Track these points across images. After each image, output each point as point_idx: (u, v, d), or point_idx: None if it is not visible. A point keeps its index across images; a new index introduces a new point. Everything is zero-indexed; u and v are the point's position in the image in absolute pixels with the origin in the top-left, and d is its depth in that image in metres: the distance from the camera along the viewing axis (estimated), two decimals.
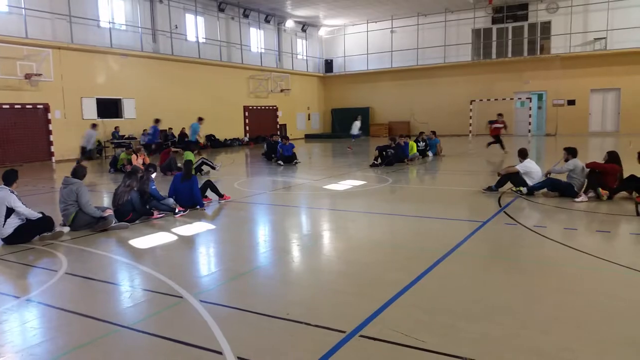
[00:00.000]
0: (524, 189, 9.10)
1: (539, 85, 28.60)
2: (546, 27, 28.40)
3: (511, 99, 28.91)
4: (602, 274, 4.93)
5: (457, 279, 4.85)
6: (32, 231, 6.60)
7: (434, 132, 18.27)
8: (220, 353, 3.33)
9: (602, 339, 3.48)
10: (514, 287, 4.59)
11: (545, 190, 9.08)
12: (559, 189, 8.85)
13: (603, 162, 8.71)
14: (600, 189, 8.40)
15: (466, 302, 4.22)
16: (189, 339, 3.57)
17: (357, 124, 24.44)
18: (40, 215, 6.73)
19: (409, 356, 3.28)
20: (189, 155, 12.37)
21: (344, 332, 3.59)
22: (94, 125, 18.97)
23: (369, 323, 3.75)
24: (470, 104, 29.12)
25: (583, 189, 8.64)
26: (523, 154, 9.53)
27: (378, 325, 3.72)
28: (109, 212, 7.35)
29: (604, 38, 26.52)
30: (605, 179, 8.46)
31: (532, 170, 9.27)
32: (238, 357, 3.25)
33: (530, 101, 28.22)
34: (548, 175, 9.14)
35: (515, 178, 9.28)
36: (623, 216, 7.39)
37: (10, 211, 6.46)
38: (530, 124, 27.90)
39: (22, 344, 3.65)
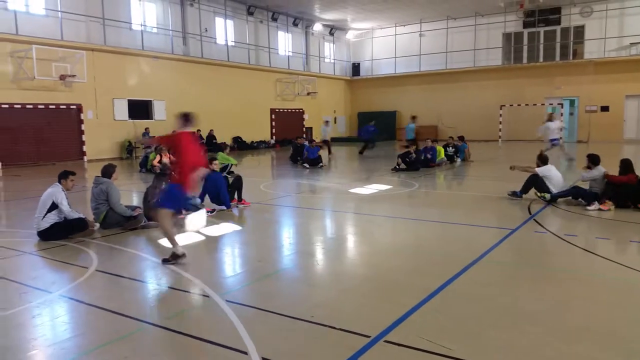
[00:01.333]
0: (547, 195, 8.91)
1: (571, 90, 27.92)
2: (579, 31, 27.75)
3: (542, 104, 28.32)
4: (633, 285, 4.78)
5: (485, 286, 4.77)
6: (66, 230, 6.79)
7: (461, 138, 18.04)
8: (246, 353, 3.35)
9: (630, 350, 3.37)
10: (543, 295, 4.49)
11: (569, 198, 8.85)
12: (584, 197, 8.60)
13: (618, 172, 8.45)
14: (605, 202, 8.15)
15: (494, 310, 4.15)
16: (215, 338, 3.61)
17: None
18: (79, 216, 6.93)
19: None
20: (222, 156, 12.46)
21: (368, 336, 3.58)
22: (327, 122, 20.15)
23: (394, 328, 3.72)
24: (500, 109, 28.63)
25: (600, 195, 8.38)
26: (543, 160, 9.31)
27: (403, 331, 3.69)
28: (139, 211, 7.50)
29: (639, 43, 25.77)
30: (622, 190, 8.21)
31: (552, 176, 9.05)
32: (263, 358, 3.26)
33: (562, 107, 27.59)
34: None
35: (538, 183, 9.08)
36: None
37: (53, 207, 6.70)
38: (561, 129, 27.25)
39: (53, 338, 3.75)
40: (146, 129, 21.71)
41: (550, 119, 15.79)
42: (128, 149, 21.27)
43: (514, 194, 9.36)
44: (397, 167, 14.70)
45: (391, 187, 11.70)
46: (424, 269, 5.42)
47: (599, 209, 8.13)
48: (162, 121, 22.46)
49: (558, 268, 5.43)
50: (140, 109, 21.99)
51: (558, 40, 28.34)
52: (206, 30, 24.67)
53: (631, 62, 26.05)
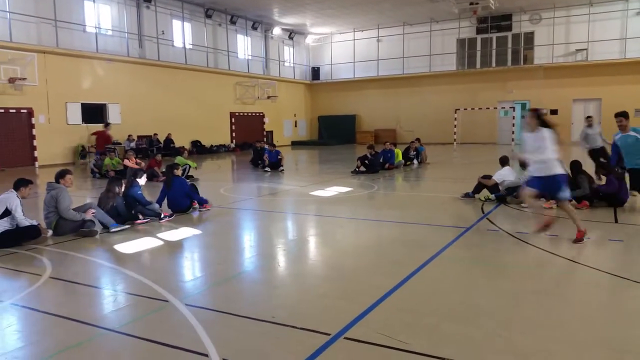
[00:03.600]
0: (492, 196, 9.30)
1: (522, 94, 29.06)
2: (529, 37, 28.93)
3: (495, 108, 29.32)
4: (580, 278, 5.05)
5: (441, 282, 4.93)
6: (17, 237, 6.56)
7: (418, 140, 18.45)
8: (206, 355, 3.35)
9: (578, 340, 3.58)
10: (495, 290, 4.69)
11: (510, 197, 9.22)
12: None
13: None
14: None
15: (449, 304, 4.30)
16: (175, 342, 3.59)
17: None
18: (30, 223, 6.70)
19: (393, 358, 3.34)
20: (181, 159, 12.32)
21: (328, 334, 3.64)
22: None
23: (353, 326, 3.80)
24: (455, 112, 29.45)
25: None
26: (503, 162, 9.67)
27: (362, 328, 3.77)
28: (91, 212, 7.29)
29: (585, 49, 27.10)
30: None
31: (506, 179, 9.39)
32: (223, 359, 3.27)
33: (514, 110, 28.64)
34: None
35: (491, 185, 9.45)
36: (604, 223, 7.56)
37: (6, 213, 6.50)
38: (513, 132, 28.29)
39: (4, 348, 3.63)
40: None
41: (589, 124, 13.07)
42: (81, 153, 20.64)
43: (466, 195, 9.71)
44: (357, 169, 14.89)
45: (351, 189, 11.85)
46: (383, 268, 5.54)
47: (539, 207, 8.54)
48: (117, 125, 21.92)
49: (509, 264, 5.67)
50: (94, 113, 21.38)
51: (510, 46, 29.43)
52: (163, 33, 24.27)
53: (577, 67, 27.37)
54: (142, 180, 8.43)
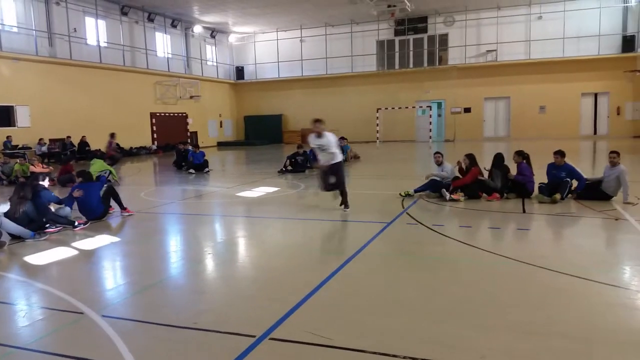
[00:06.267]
0: (411, 191, 9.72)
1: (438, 94, 30.50)
2: (444, 39, 30.39)
3: (413, 107, 30.52)
4: (491, 267, 5.41)
5: (364, 277, 5.09)
6: None
7: (344, 138, 18.80)
8: None
9: (489, 325, 3.84)
10: (414, 282, 4.92)
11: (427, 192, 9.71)
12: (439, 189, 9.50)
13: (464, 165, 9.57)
14: (456, 193, 9.24)
15: (371, 298, 4.46)
16: (91, 355, 3.44)
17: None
18: None
19: (316, 354, 3.41)
20: (97, 162, 11.73)
21: (254, 336, 3.65)
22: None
23: (278, 326, 3.84)
24: (377, 112, 30.34)
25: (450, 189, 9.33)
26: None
27: (288, 327, 3.82)
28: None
29: (495, 50, 28.90)
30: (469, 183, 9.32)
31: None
32: None
33: (430, 109, 29.98)
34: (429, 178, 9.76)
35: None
36: (513, 214, 8.13)
37: None
38: (430, 130, 29.63)
39: None
40: (8, 137, 19.62)
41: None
42: None
43: (407, 195, 9.76)
44: (284, 169, 14.93)
45: (278, 189, 11.87)
46: (308, 265, 5.62)
47: (451, 199, 9.05)
48: (27, 128, 20.47)
49: (426, 256, 5.96)
50: (0, 116, 19.79)
51: (426, 48, 30.75)
52: (75, 31, 22.91)
53: (487, 67, 29.14)
54: (45, 183, 7.94)
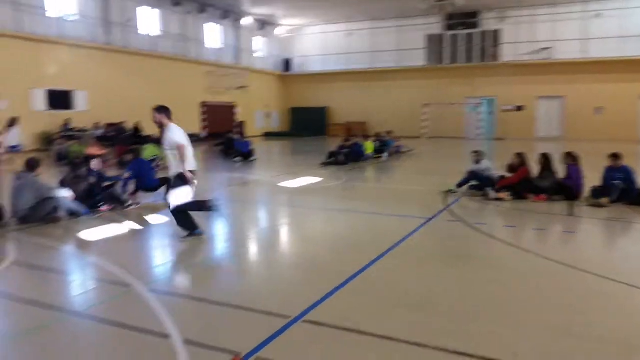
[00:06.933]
0: (454, 188, 9.61)
1: (489, 91, 29.72)
2: (496, 35, 29.56)
3: (462, 103, 29.90)
4: (532, 268, 5.32)
5: (399, 270, 5.13)
6: None
7: (389, 132, 18.72)
8: (169, 337, 3.44)
9: (525, 324, 3.81)
10: (451, 278, 4.91)
11: (471, 190, 9.53)
12: (481, 181, 9.38)
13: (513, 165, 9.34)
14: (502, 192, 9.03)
15: (405, 291, 4.50)
16: (138, 324, 3.67)
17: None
18: None
19: (348, 338, 3.50)
20: (150, 147, 12.25)
21: (289, 317, 3.78)
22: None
23: (313, 309, 3.95)
24: (424, 107, 29.92)
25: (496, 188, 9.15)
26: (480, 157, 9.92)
27: (322, 312, 3.93)
28: (67, 194, 7.28)
29: (550, 48, 27.88)
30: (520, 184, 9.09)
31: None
32: (185, 340, 3.37)
33: (481, 106, 29.27)
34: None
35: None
36: (559, 216, 7.91)
37: None
38: (480, 128, 28.94)
39: None
40: (67, 120, 20.66)
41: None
42: (47, 140, 20.12)
43: (450, 191, 9.63)
44: (328, 161, 15.05)
45: (321, 180, 11.99)
46: (346, 255, 5.71)
47: (497, 198, 8.89)
48: (85, 112, 21.46)
49: (466, 253, 5.92)
50: (60, 100, 20.86)
51: (477, 43, 30.01)
52: (130, 20, 23.78)
53: (541, 65, 28.13)
54: (100, 164, 8.39)
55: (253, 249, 6.18)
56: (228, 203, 9.36)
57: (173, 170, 6.04)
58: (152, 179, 8.80)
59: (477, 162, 9.71)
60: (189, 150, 6.00)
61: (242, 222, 7.73)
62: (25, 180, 7.02)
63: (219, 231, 7.22)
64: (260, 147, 23.15)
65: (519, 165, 9.27)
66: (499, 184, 9.19)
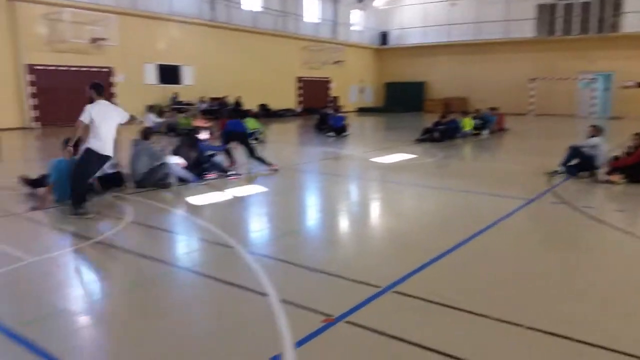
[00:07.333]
0: (559, 168, 8.97)
1: (606, 65, 27.06)
2: (618, 2, 26.67)
3: (575, 79, 27.58)
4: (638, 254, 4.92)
5: (495, 249, 4.99)
6: (103, 184, 7.21)
7: (493, 109, 17.84)
8: (266, 295, 3.68)
9: (625, 312, 3.57)
10: (550, 260, 4.68)
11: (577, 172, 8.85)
12: (582, 159, 8.77)
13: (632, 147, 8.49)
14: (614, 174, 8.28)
15: (500, 269, 4.38)
16: (239, 282, 3.96)
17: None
18: (115, 171, 7.41)
19: (438, 311, 3.51)
20: (250, 121, 12.81)
21: (379, 287, 3.86)
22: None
23: (404, 281, 4.00)
24: (531, 82, 28.02)
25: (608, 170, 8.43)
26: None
27: (413, 284, 3.96)
28: (179, 161, 7.95)
29: None
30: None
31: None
32: (282, 299, 3.59)
33: (596, 82, 26.81)
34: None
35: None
36: None
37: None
38: (593, 105, 26.58)
39: (86, 279, 4.15)
40: (175, 93, 22.13)
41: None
42: (158, 112, 21.74)
43: (554, 173, 9.07)
44: (422, 137, 14.75)
45: (415, 156, 11.81)
46: (440, 231, 5.65)
47: (607, 181, 8.20)
48: (191, 86, 22.82)
49: (569, 236, 5.59)
50: (169, 74, 22.39)
51: (595, 12, 27.32)
52: None
53: None
54: (206, 136, 8.94)
55: (344, 220, 6.33)
56: (321, 176, 9.58)
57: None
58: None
59: (591, 138, 8.96)
60: (91, 129, 5.89)
61: (333, 194, 7.90)
62: (142, 147, 7.71)
63: (311, 202, 7.45)
64: (353, 123, 23.22)
65: (637, 146, 8.47)
66: (611, 165, 8.48)
